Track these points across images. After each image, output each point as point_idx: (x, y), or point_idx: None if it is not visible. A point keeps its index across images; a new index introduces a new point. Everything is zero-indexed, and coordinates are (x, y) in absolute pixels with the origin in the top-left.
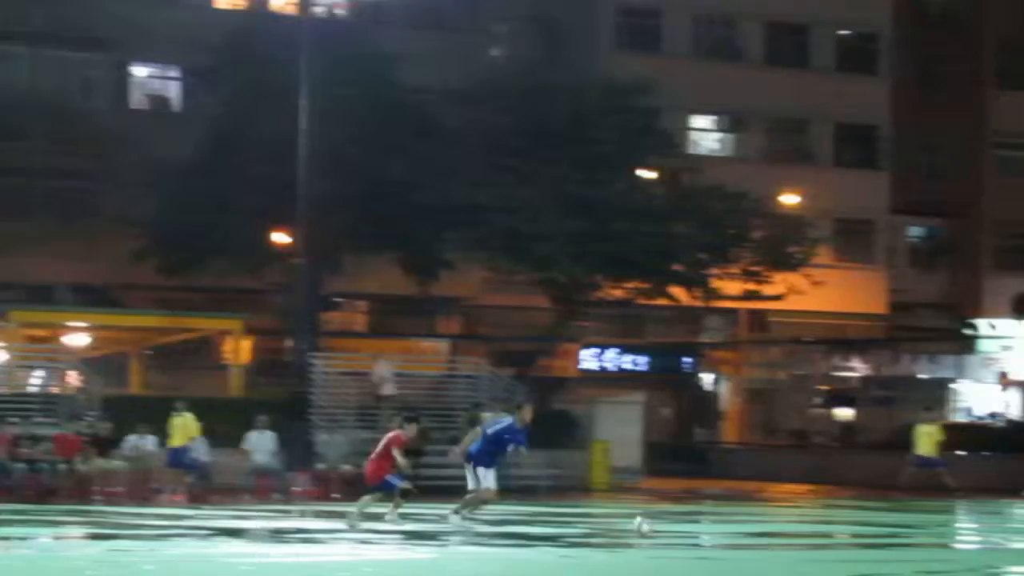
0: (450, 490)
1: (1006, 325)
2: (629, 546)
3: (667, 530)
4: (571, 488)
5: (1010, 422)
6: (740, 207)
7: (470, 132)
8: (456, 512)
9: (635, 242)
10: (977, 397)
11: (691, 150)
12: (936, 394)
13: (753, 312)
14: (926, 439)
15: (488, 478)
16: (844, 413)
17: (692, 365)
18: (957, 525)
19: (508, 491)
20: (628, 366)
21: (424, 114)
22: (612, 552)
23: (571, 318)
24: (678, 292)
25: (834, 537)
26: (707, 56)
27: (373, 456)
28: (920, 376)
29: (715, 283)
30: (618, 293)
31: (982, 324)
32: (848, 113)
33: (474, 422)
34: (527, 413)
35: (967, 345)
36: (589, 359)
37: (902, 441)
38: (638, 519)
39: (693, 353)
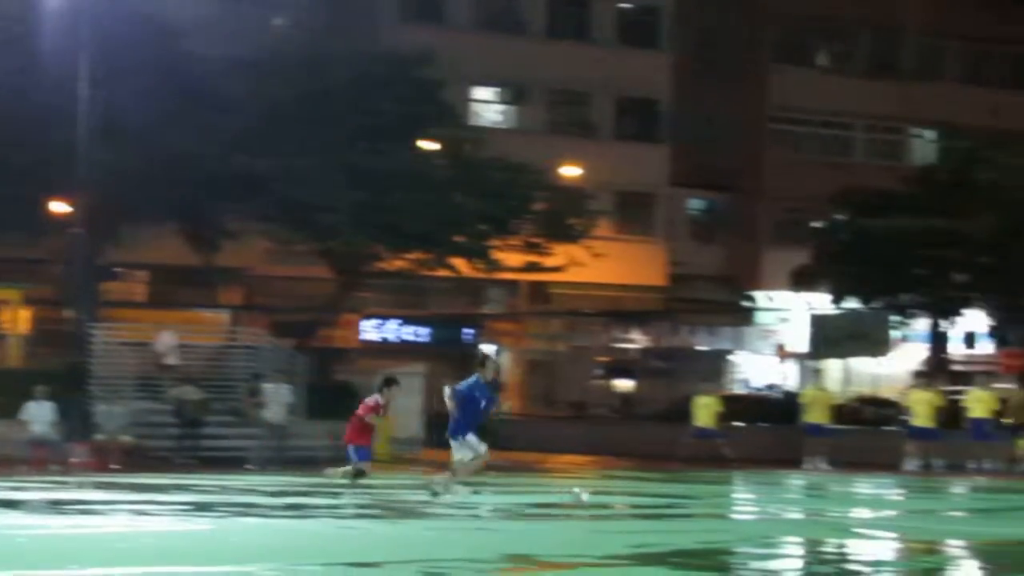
0: (229, 461)
1: (784, 298)
2: (409, 517)
3: (447, 501)
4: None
5: (787, 393)
6: (521, 179)
7: (253, 102)
8: (438, 488)
9: (416, 213)
10: (755, 369)
11: (473, 122)
12: (714, 366)
13: (534, 284)
14: (704, 410)
15: (478, 444)
16: (624, 384)
17: (473, 336)
18: (734, 495)
19: (288, 463)
20: (409, 337)
21: (207, 84)
22: (392, 523)
23: (352, 289)
24: (459, 263)
25: (613, 508)
26: (489, 28)
27: (352, 420)
28: (699, 348)
29: (496, 254)
30: (399, 264)
31: (760, 297)
32: (629, 86)
33: (254, 392)
34: (490, 369)
35: (745, 317)
36: (370, 330)
37: (681, 412)
38: (576, 490)
39: (474, 324)
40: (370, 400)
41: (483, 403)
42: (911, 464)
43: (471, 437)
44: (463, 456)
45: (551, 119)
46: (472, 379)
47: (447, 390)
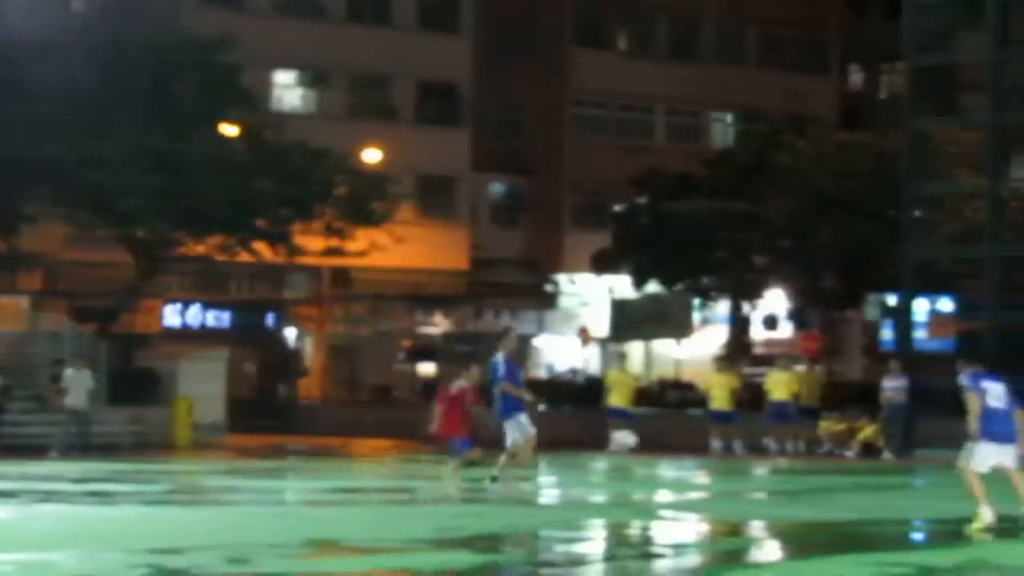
0: (31, 448)
1: (586, 281)
2: (212, 503)
3: (250, 486)
4: (154, 445)
5: (589, 377)
6: (323, 163)
7: (52, 86)
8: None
9: (217, 198)
10: (558, 352)
11: (274, 106)
12: (518, 349)
13: (336, 268)
14: None
15: (528, 424)
16: (427, 369)
17: (276, 321)
18: (539, 479)
19: (90, 449)
20: (211, 322)
21: (4, 68)
22: (195, 508)
23: (153, 274)
24: (261, 248)
25: (417, 492)
26: (289, 12)
27: (442, 410)
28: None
29: (298, 239)
30: (201, 249)
31: (563, 280)
32: (430, 70)
33: (56, 379)
34: (509, 342)
35: (548, 301)
36: (172, 315)
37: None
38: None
39: (277, 309)
40: (455, 388)
41: (520, 376)
42: (715, 446)
43: (522, 416)
44: (516, 438)
45: (352, 103)
46: (499, 356)
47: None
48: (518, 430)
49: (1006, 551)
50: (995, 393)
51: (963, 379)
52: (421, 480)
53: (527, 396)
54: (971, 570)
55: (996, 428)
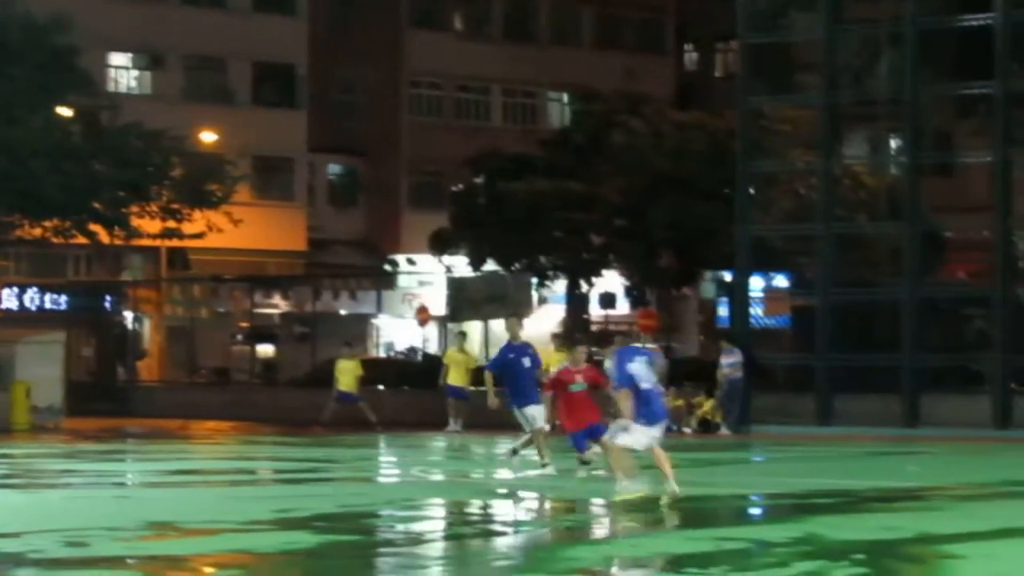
0: None
1: (424, 261)
2: (50, 486)
3: (88, 469)
4: None
5: (428, 356)
6: (159, 146)
7: None
8: (543, 464)
9: (53, 181)
10: (396, 332)
11: (110, 88)
12: (357, 330)
13: (173, 250)
14: (346, 375)
15: (533, 420)
16: (265, 350)
17: (113, 304)
18: (377, 459)
19: None
20: (49, 305)
21: None
22: (32, 492)
23: None
24: (98, 230)
25: (256, 473)
26: None
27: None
28: (340, 312)
29: (135, 221)
30: (37, 232)
31: (401, 260)
32: (266, 52)
33: None
34: (515, 325)
35: (386, 281)
36: (9, 299)
37: (323, 377)
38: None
39: (114, 292)
40: (563, 371)
41: (525, 362)
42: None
43: (529, 409)
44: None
45: (188, 85)
46: (504, 346)
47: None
48: (527, 421)
49: (841, 525)
50: (643, 375)
51: (610, 368)
52: (260, 461)
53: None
54: (806, 544)
55: (648, 409)
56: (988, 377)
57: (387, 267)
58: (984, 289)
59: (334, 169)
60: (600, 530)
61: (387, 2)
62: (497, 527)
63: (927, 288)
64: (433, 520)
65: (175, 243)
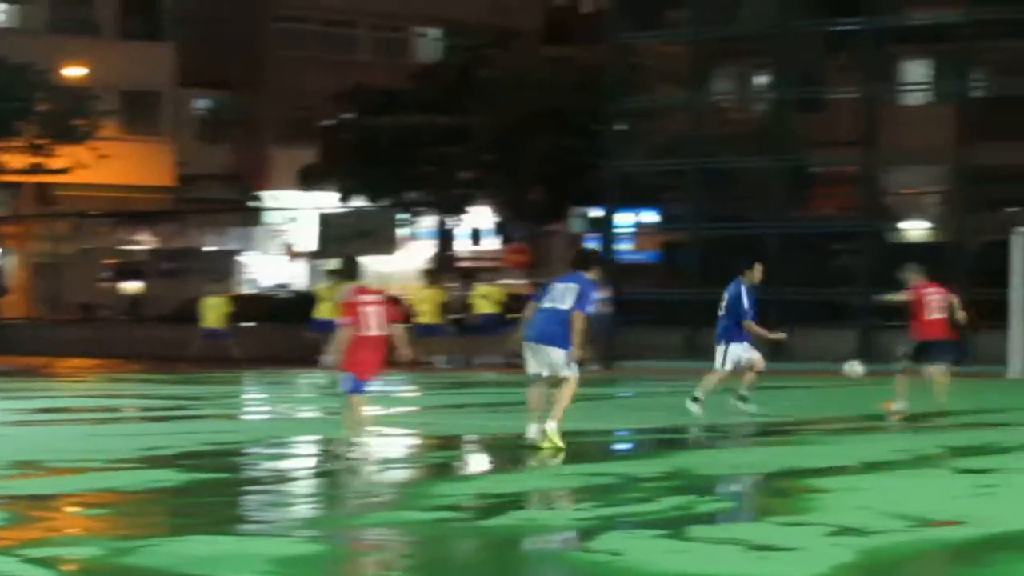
0: None
1: (292, 197)
2: None
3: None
4: None
5: (296, 292)
6: (23, 79)
7: None
8: (739, 399)
9: None
10: (264, 268)
11: None
12: (224, 266)
13: (39, 186)
14: (213, 311)
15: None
16: (132, 286)
17: None
18: (245, 396)
19: None
20: None
21: None
22: None
23: None
24: None
25: (122, 411)
26: None
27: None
28: (207, 248)
29: None
30: None
31: (268, 196)
32: None
33: None
34: (757, 272)
35: (254, 217)
36: None
37: (190, 313)
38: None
39: None
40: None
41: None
42: (426, 360)
43: (734, 347)
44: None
45: (53, 18)
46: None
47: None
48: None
49: (708, 460)
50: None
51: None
52: (126, 399)
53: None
54: (674, 479)
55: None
56: (853, 312)
57: (254, 203)
58: (850, 224)
59: (202, 103)
60: (468, 467)
61: None
62: (366, 464)
63: (795, 223)
64: (301, 458)
65: (40, 178)
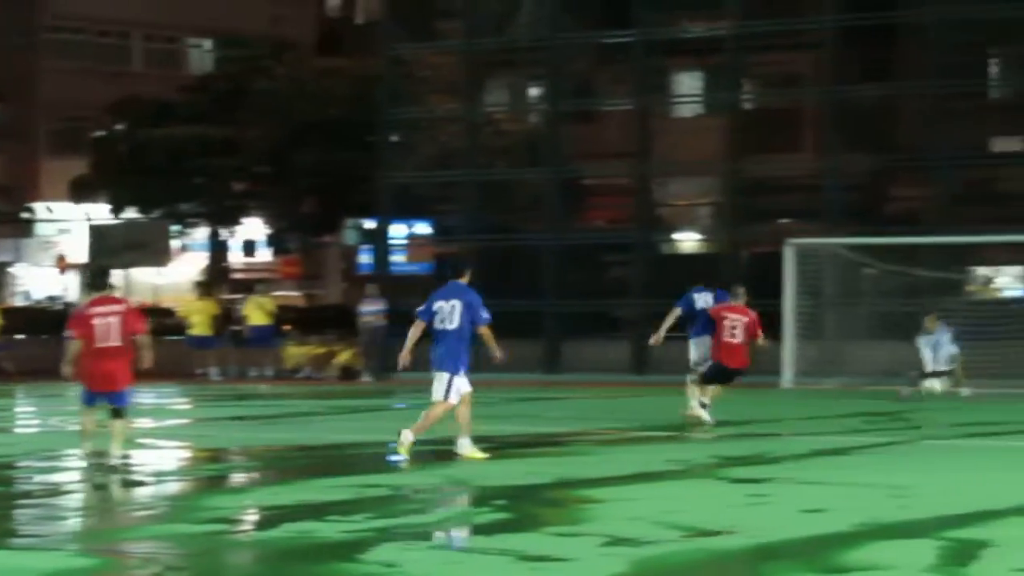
0: None
1: (64, 208)
2: None
3: None
4: None
5: (68, 305)
6: None
7: None
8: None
9: None
10: (36, 280)
11: None
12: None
13: None
14: None
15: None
16: None
17: None
18: (16, 409)
19: None
20: None
21: None
22: None
23: None
24: None
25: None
26: None
27: (733, 340)
28: None
29: None
30: None
31: (40, 207)
32: None
33: None
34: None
35: (25, 229)
36: None
37: None
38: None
39: None
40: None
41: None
42: (200, 373)
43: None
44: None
45: None
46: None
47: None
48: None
49: (482, 471)
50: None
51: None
52: None
53: None
54: (448, 488)
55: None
56: (626, 323)
57: (25, 214)
58: (624, 235)
59: None
60: (241, 479)
61: None
62: (138, 477)
63: (568, 235)
64: (73, 471)
65: None
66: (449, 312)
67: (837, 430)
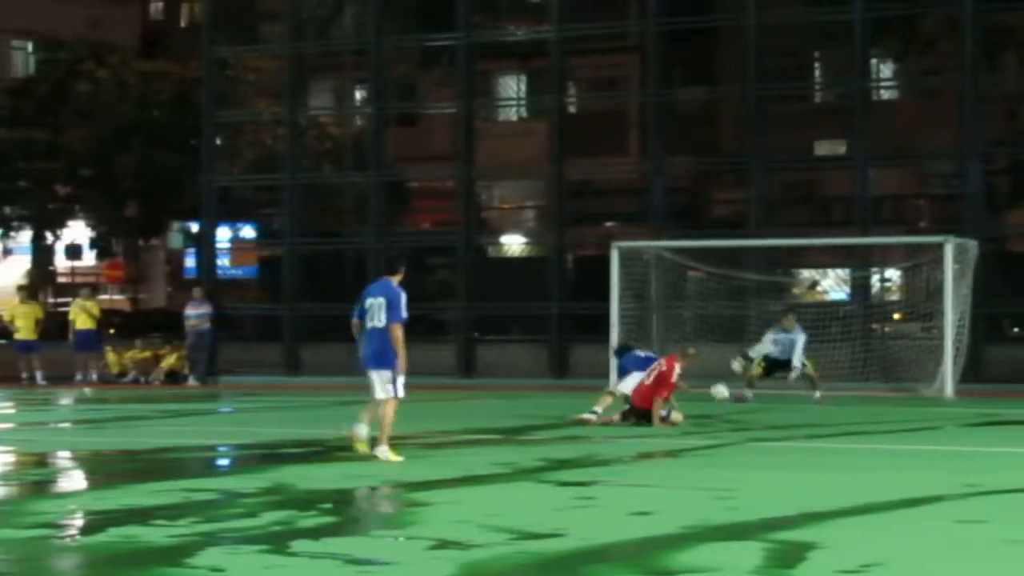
0: None
1: None
2: None
3: None
4: None
5: None
6: None
7: None
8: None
9: None
10: None
11: None
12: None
13: None
14: None
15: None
16: None
17: None
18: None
19: None
20: None
21: None
22: None
23: None
24: None
25: None
26: None
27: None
28: None
29: None
30: None
31: None
32: None
33: None
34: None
35: None
36: None
37: None
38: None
39: None
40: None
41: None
42: (25, 377)
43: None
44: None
45: None
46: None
47: None
48: None
49: (309, 474)
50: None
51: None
52: None
53: None
54: (275, 493)
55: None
56: (452, 326)
57: None
58: (449, 238)
59: None
60: (66, 484)
61: None
62: None
63: (393, 237)
64: None
65: None
66: (377, 310)
67: (666, 432)
